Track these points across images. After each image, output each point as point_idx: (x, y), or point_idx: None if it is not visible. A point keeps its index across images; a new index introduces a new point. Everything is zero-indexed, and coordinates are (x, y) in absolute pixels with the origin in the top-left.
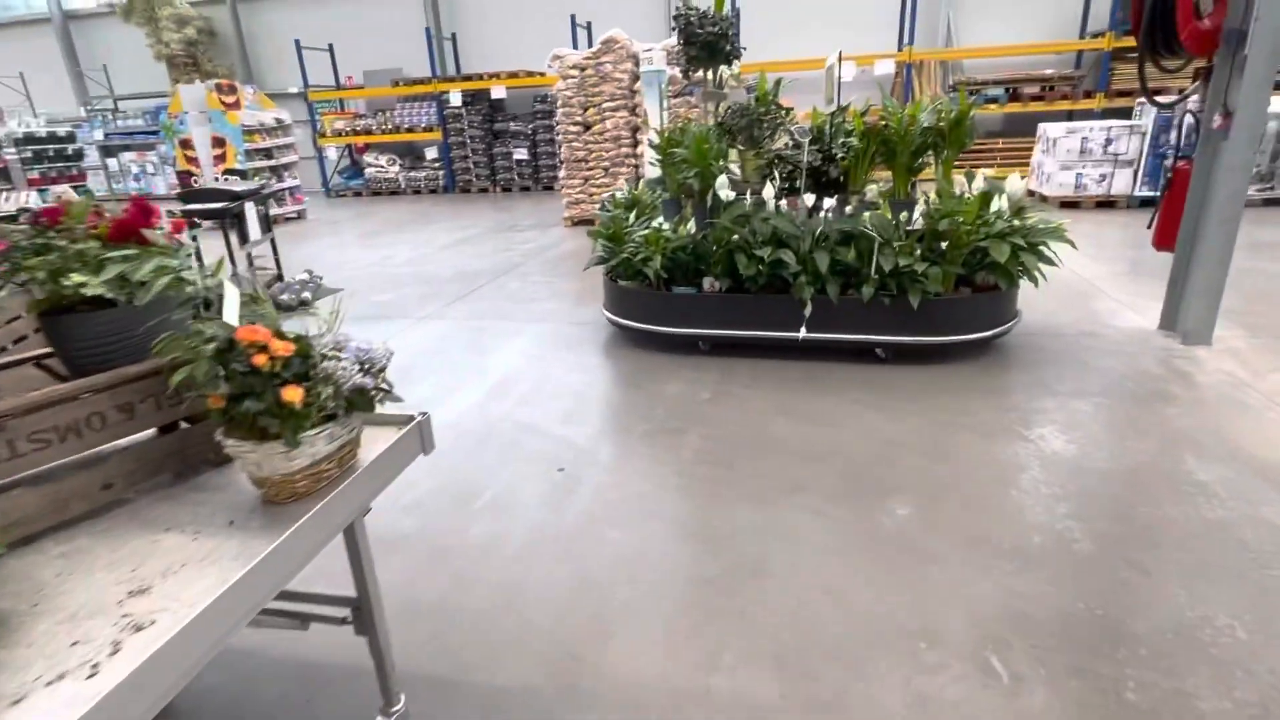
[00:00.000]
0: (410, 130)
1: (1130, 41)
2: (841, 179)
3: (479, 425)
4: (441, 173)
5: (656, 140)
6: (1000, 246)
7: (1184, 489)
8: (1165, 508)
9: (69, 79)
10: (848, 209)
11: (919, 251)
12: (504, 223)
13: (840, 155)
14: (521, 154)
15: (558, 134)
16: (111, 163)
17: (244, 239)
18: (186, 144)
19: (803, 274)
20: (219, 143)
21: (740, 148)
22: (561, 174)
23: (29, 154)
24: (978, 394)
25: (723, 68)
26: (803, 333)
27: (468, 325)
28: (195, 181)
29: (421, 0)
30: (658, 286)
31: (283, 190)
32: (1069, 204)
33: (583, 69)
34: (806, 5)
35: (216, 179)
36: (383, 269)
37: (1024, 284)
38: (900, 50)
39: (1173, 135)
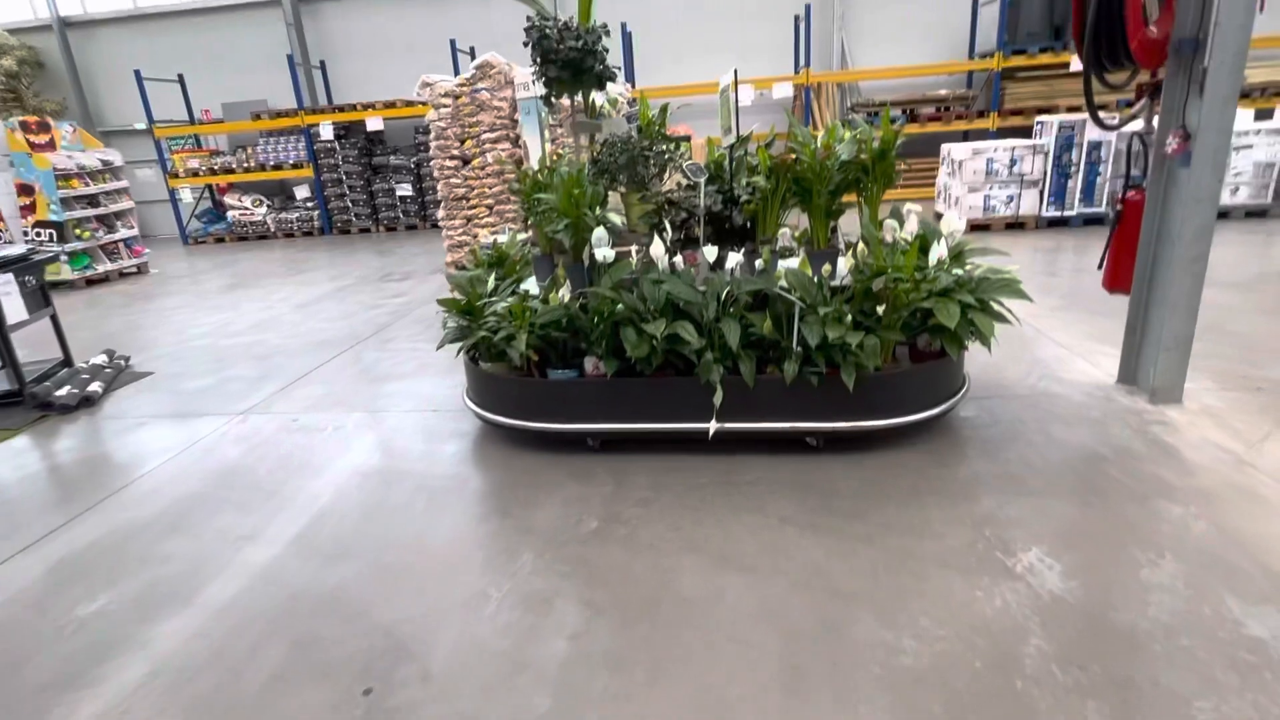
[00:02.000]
0: (277, 167)
1: (1019, 60)
2: (748, 225)
3: (264, 609)
4: (316, 213)
5: (517, 183)
6: (948, 308)
7: (1241, 657)
8: (1230, 699)
9: None
10: (758, 263)
11: (849, 318)
12: (380, 270)
13: (744, 197)
14: (405, 190)
15: (433, 169)
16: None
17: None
18: None
19: (708, 350)
20: (26, 190)
21: (621, 190)
22: (440, 213)
23: None
24: (936, 499)
25: (597, 93)
26: (713, 426)
27: (298, 424)
28: (1, 238)
29: (285, 26)
30: (528, 371)
31: (114, 243)
32: (979, 226)
33: (456, 97)
34: (698, 28)
35: (25, 234)
36: (217, 339)
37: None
38: (797, 73)
39: (1111, 160)
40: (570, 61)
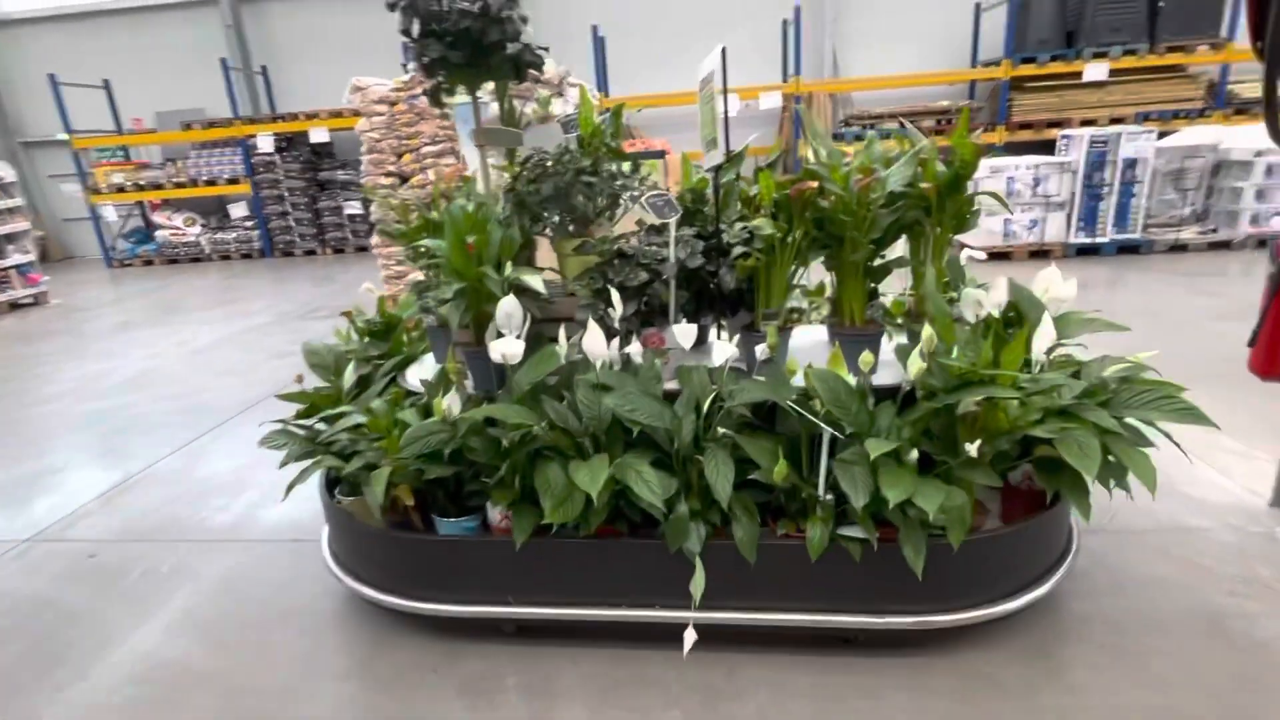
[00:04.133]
0: (211, 183)
1: (1029, 69)
2: (744, 291)
3: None
4: (256, 233)
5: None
6: (1080, 443)
7: None
8: None
9: None
10: (760, 349)
11: (914, 454)
12: (308, 305)
13: (740, 247)
14: (354, 208)
15: (365, 187)
16: None
17: None
18: None
19: (681, 500)
20: None
21: (549, 235)
22: (374, 239)
23: None
24: None
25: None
26: (691, 630)
27: (94, 560)
28: None
29: (223, 29)
30: (404, 516)
31: (3, 270)
32: (998, 255)
33: (392, 104)
34: (678, 31)
35: None
36: (72, 403)
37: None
38: (786, 81)
39: (1150, 179)
40: (464, 35)
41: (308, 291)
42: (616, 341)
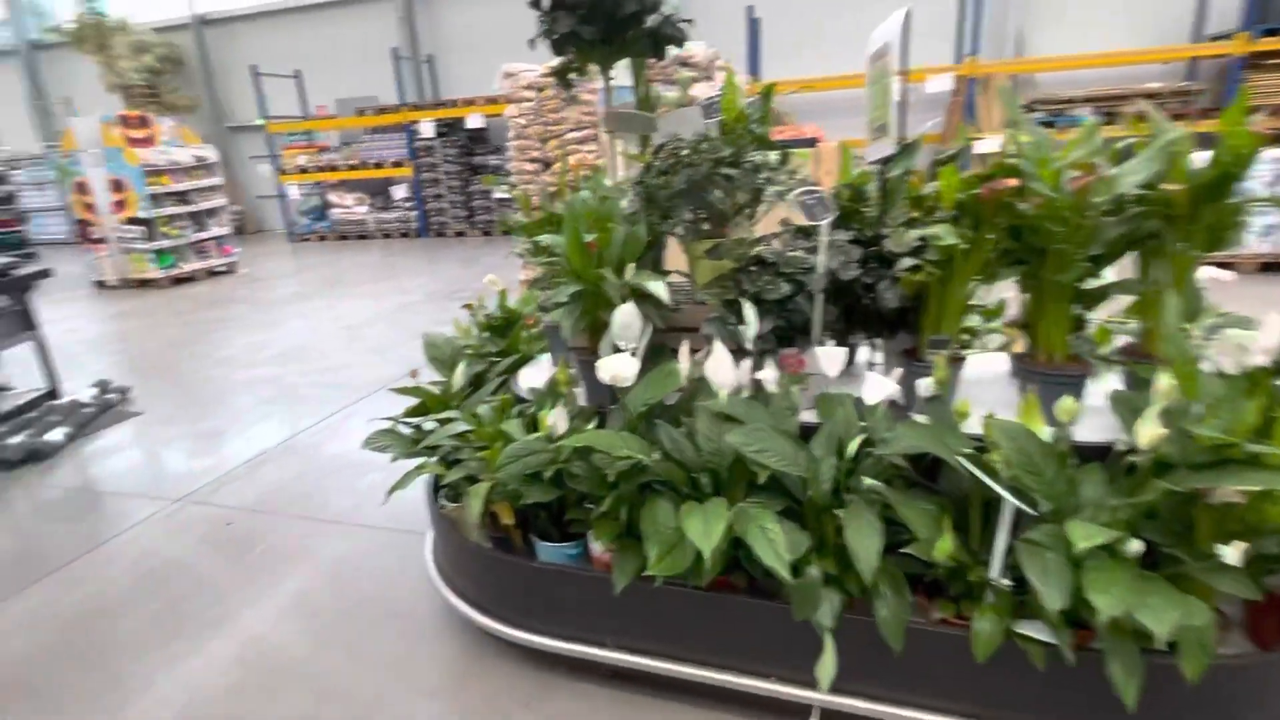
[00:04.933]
0: (379, 165)
1: (1271, 43)
2: (907, 310)
3: None
4: (414, 214)
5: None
6: None
7: None
8: None
9: (34, 114)
10: (924, 383)
11: (1134, 546)
12: (454, 284)
13: (909, 259)
14: (503, 193)
15: (511, 173)
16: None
17: None
18: (84, 187)
19: (813, 561)
20: (118, 186)
21: (680, 234)
22: None
23: None
24: None
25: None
26: (818, 710)
27: (229, 529)
28: (92, 231)
29: (397, 20)
30: (505, 535)
31: (204, 241)
32: (1271, 266)
33: (540, 89)
34: (834, 11)
35: (117, 230)
36: (232, 370)
37: None
38: (960, 62)
39: None
40: (597, 7)
41: (455, 272)
42: (747, 362)
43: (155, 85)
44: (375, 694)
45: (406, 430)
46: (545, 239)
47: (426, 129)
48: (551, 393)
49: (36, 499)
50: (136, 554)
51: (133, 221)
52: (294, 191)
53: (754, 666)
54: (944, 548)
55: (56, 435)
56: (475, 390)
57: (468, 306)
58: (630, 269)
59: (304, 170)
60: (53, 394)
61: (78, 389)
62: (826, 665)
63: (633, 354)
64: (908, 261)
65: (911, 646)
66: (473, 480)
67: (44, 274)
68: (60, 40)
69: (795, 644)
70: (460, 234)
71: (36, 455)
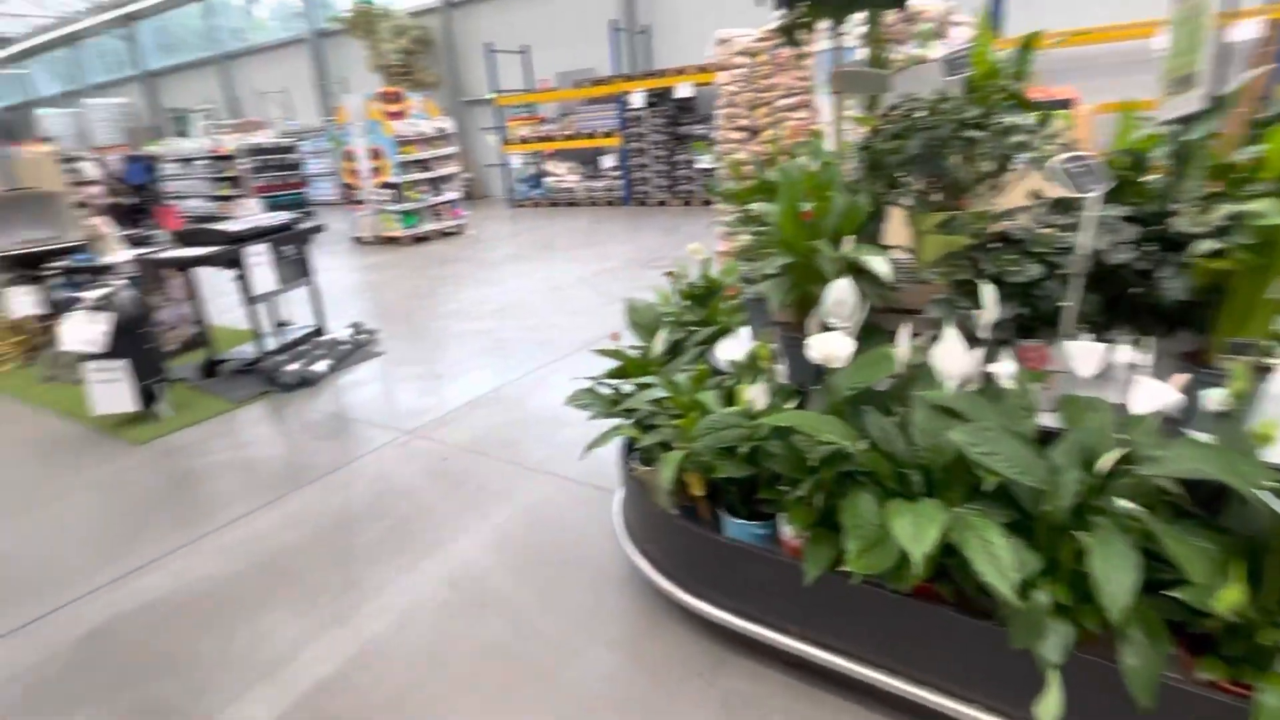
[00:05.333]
0: (590, 135)
1: None
2: (1193, 306)
3: None
4: (619, 183)
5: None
6: None
7: None
8: None
9: (318, 93)
10: (1212, 398)
11: None
12: (652, 252)
13: (1208, 241)
14: (706, 163)
15: (715, 141)
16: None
17: (247, 292)
18: (351, 156)
19: (1042, 587)
20: (376, 154)
21: (907, 206)
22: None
23: (259, 164)
24: None
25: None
26: None
27: (445, 465)
28: (355, 195)
29: None
30: (692, 504)
31: (439, 204)
32: None
33: (753, 55)
34: None
35: (373, 193)
36: (456, 322)
37: None
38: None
39: None
40: None
41: (655, 240)
42: (977, 352)
43: (408, 64)
44: (562, 635)
45: (606, 391)
46: (756, 207)
47: (636, 99)
48: (751, 367)
49: (304, 418)
50: (374, 475)
51: (385, 186)
52: (515, 160)
53: (950, 686)
54: (1230, 598)
55: (321, 366)
56: (673, 358)
57: (669, 274)
58: (848, 242)
59: (525, 140)
60: (319, 331)
61: (337, 328)
62: (1050, 706)
63: (845, 334)
64: (1207, 245)
65: (1164, 705)
66: (666, 447)
67: (319, 229)
68: (339, 28)
69: (1004, 672)
70: (662, 203)
71: (306, 381)
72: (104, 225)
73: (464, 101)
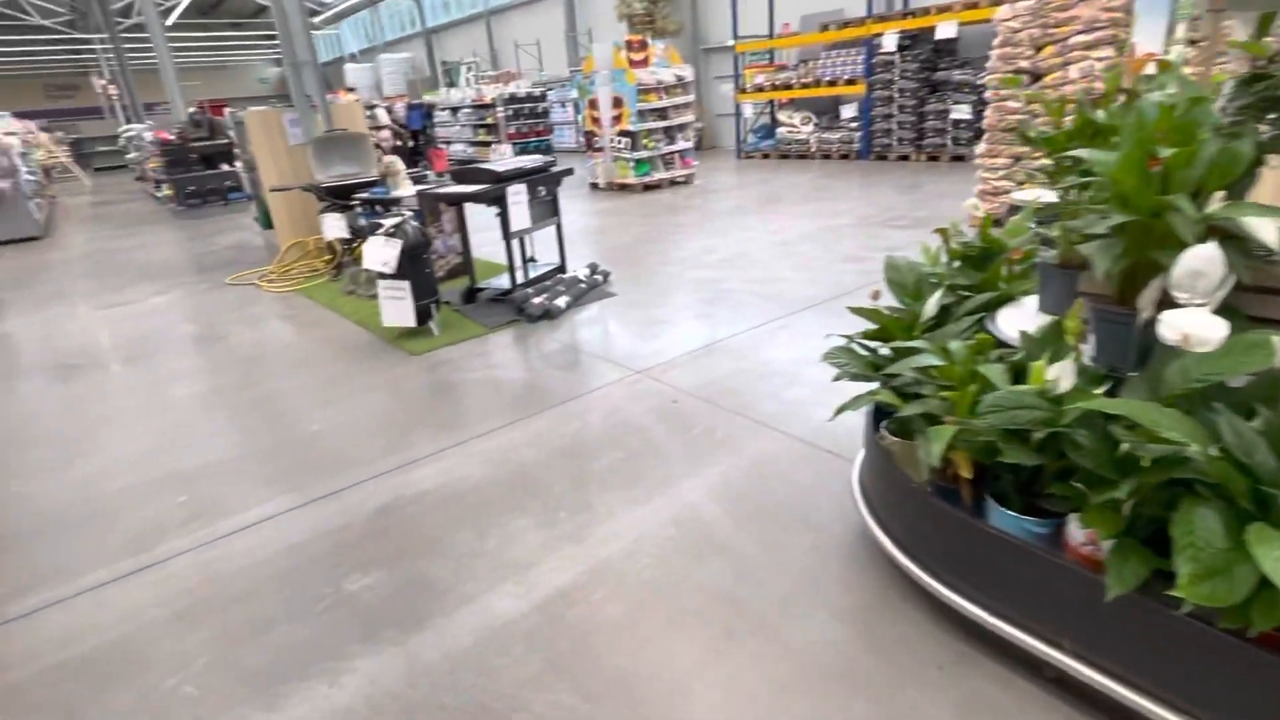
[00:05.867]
0: (831, 83)
1: None
2: None
3: None
4: (858, 134)
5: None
6: None
7: None
8: None
9: (566, 44)
10: None
11: None
12: (889, 211)
13: None
14: (962, 113)
15: (987, 86)
16: (580, 117)
17: (506, 229)
18: (595, 104)
19: None
20: (617, 103)
21: None
22: (980, 147)
23: (511, 112)
24: None
25: None
26: None
27: (675, 407)
28: (595, 142)
29: None
30: (954, 484)
31: (671, 153)
32: None
33: None
34: None
35: (611, 140)
36: (684, 269)
37: None
38: None
39: None
40: None
41: (890, 198)
42: None
43: (652, 12)
44: (785, 594)
45: (863, 353)
46: (1083, 153)
47: (888, 42)
48: (1052, 341)
49: (544, 349)
50: (607, 409)
51: (623, 134)
52: (748, 110)
53: None
54: None
55: (561, 302)
56: (939, 324)
57: (941, 231)
58: (1217, 198)
59: (760, 89)
60: (561, 269)
61: (575, 268)
62: None
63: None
64: None
65: None
66: (932, 420)
67: (568, 172)
68: None
69: None
70: (903, 158)
71: (548, 315)
72: (398, 163)
73: (703, 49)
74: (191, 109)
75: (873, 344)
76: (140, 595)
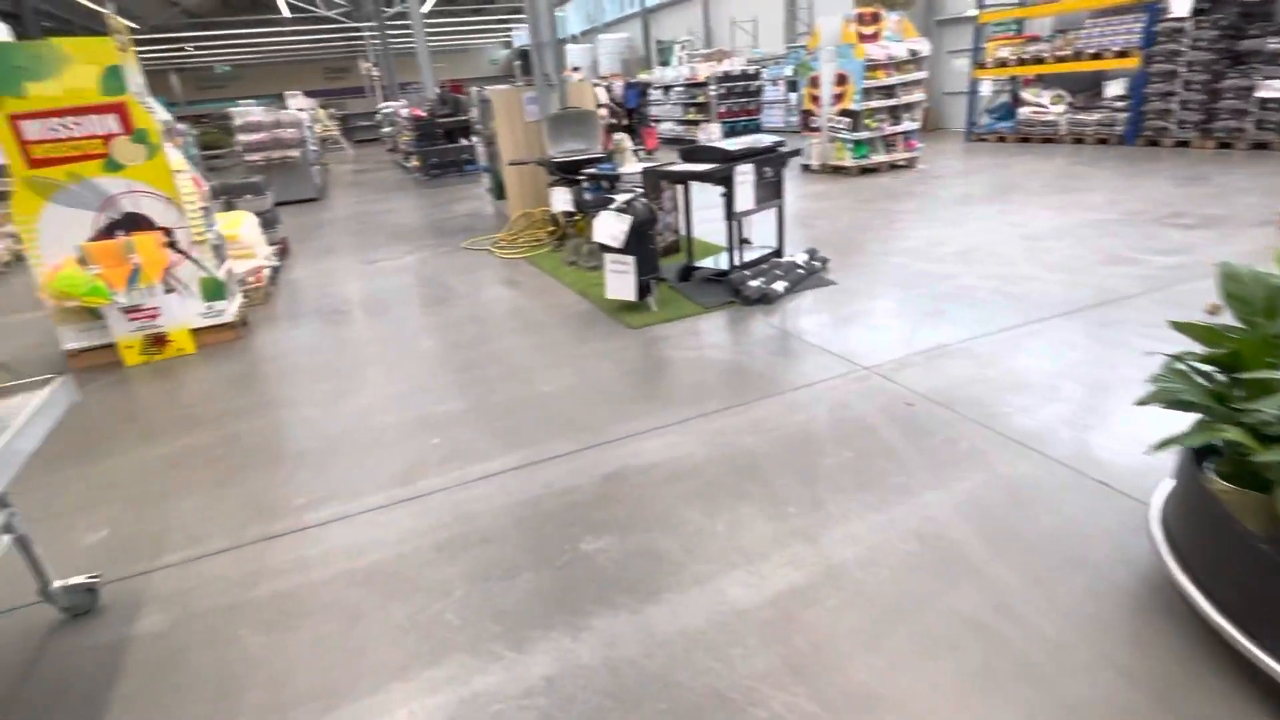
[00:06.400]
0: (1096, 56)
1: None
2: None
3: None
4: (1123, 116)
5: None
6: None
7: None
8: None
9: (783, 19)
10: None
11: None
12: (1166, 205)
13: None
14: (1275, 90)
15: None
16: (793, 96)
17: (729, 210)
18: (815, 81)
19: None
20: (841, 80)
21: None
22: None
23: (724, 90)
24: None
25: None
26: None
27: (911, 410)
28: (812, 121)
29: None
30: None
31: (895, 135)
32: None
33: None
34: None
35: (830, 120)
36: (913, 260)
37: None
38: None
39: None
40: None
41: (1165, 190)
42: None
43: None
44: (1056, 638)
45: (1202, 381)
46: None
47: (1179, 6)
48: None
49: (761, 334)
50: (834, 402)
51: (844, 113)
52: (986, 88)
53: None
54: None
55: (779, 286)
56: None
57: None
58: None
59: (1003, 64)
60: (778, 252)
61: (793, 252)
62: None
63: None
64: None
65: None
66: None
67: (796, 153)
68: None
69: None
70: (1182, 144)
71: (765, 299)
72: (626, 141)
73: (937, 21)
74: (438, 88)
75: (1206, 368)
76: (408, 523)
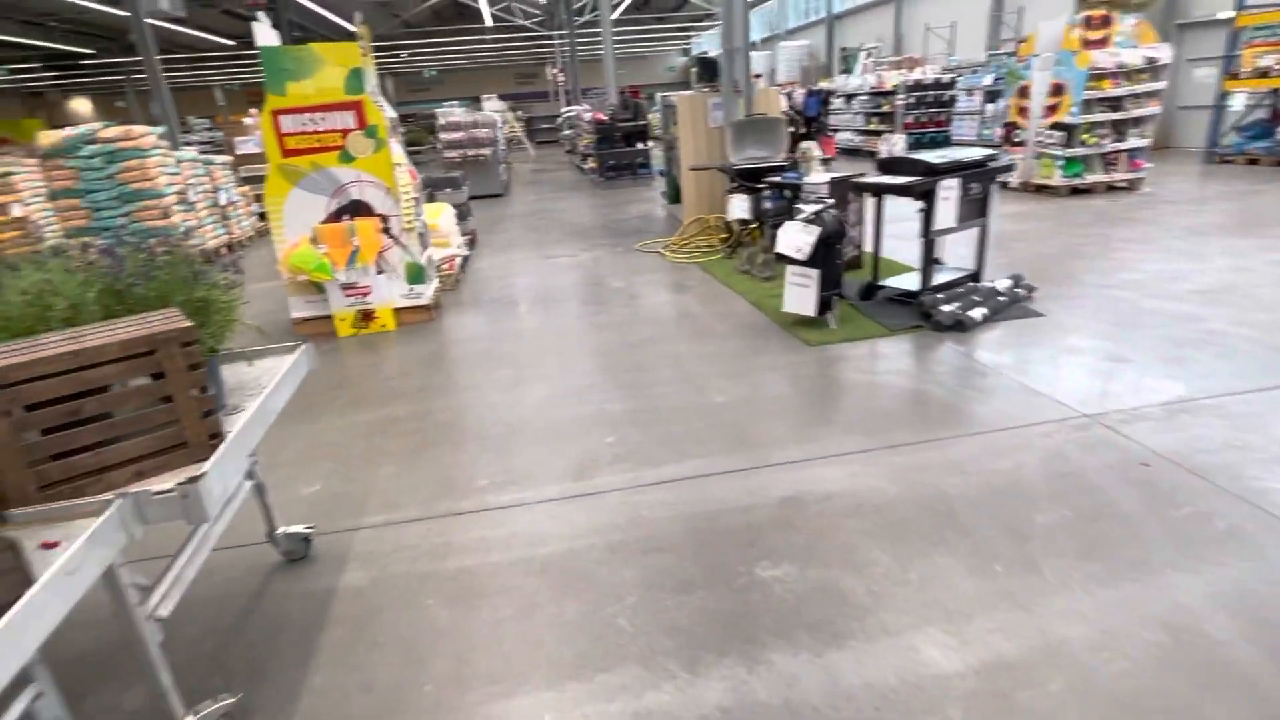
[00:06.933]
0: None
1: None
2: None
3: None
4: None
5: None
6: None
7: None
8: None
9: (987, 25)
10: None
11: None
12: None
13: None
14: None
15: None
16: (990, 107)
17: (926, 225)
18: (1025, 91)
19: None
20: (1057, 90)
21: None
22: None
23: (913, 100)
24: None
25: None
26: None
27: (1147, 470)
28: (1017, 134)
29: None
30: None
31: (1116, 152)
32: None
33: None
34: None
35: (1038, 134)
36: (1142, 295)
37: None
38: None
39: None
40: None
41: None
42: None
43: None
44: None
45: None
46: None
47: None
48: None
49: (955, 364)
50: (1048, 451)
51: (1056, 127)
52: (1238, 101)
53: None
54: None
55: (976, 314)
56: None
57: None
58: None
59: (1265, 74)
60: (976, 276)
61: (994, 277)
62: None
63: None
64: None
65: None
66: None
67: (1009, 168)
68: None
69: None
70: None
71: (960, 325)
72: (814, 150)
73: (1178, 24)
74: (619, 93)
75: None
76: (582, 518)
